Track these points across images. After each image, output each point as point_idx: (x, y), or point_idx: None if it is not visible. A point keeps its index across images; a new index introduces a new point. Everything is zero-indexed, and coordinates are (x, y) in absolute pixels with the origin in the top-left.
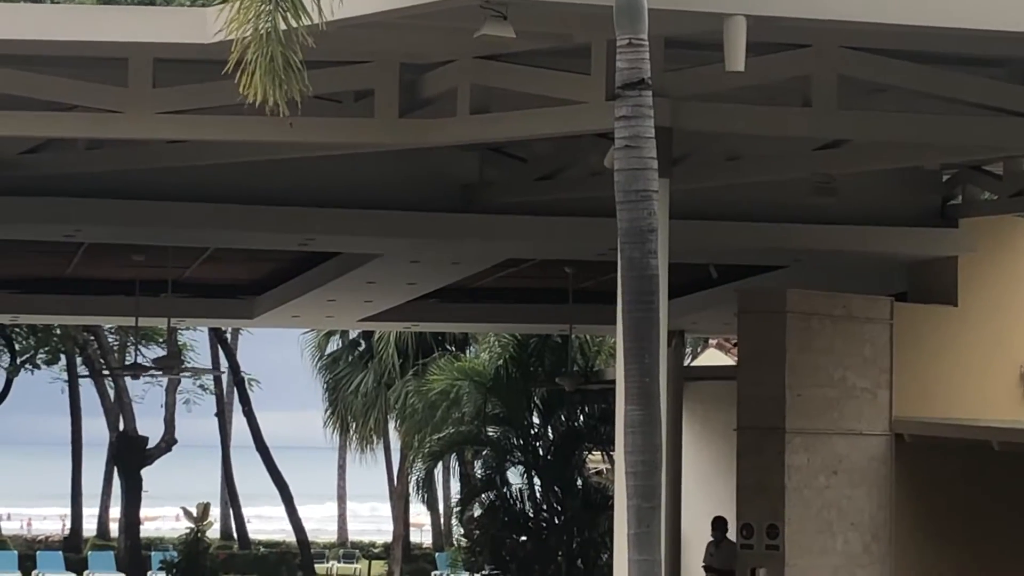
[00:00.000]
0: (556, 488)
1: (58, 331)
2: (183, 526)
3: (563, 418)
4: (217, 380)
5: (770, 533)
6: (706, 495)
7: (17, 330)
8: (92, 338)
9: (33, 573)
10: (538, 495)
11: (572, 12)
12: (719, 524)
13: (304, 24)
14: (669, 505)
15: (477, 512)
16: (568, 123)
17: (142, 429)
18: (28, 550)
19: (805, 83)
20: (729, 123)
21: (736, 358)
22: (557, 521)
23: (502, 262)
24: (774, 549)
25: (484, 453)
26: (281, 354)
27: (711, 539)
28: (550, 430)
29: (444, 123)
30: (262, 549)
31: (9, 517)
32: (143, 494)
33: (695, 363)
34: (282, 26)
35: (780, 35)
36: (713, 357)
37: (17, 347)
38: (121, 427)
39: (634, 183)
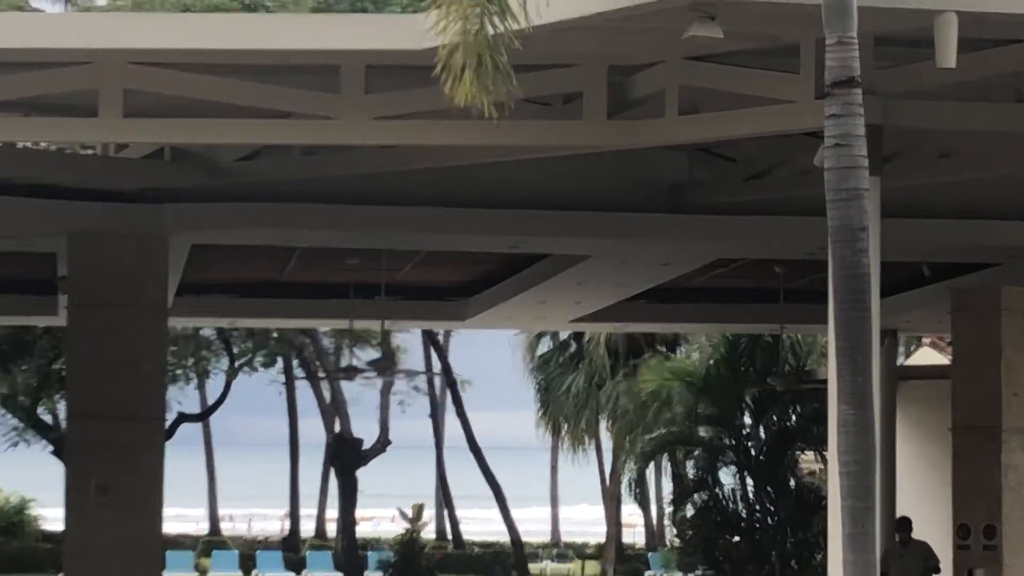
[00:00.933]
0: (769, 488)
1: (275, 334)
2: (399, 526)
3: (775, 418)
4: (430, 381)
5: (987, 534)
6: (920, 495)
7: (235, 333)
8: (308, 341)
9: (253, 572)
10: (751, 495)
11: (781, 11)
12: (904, 525)
13: (511, 28)
14: (883, 505)
15: (689, 513)
16: (777, 122)
17: (357, 430)
18: (248, 550)
19: (1018, 78)
20: (940, 119)
21: (950, 357)
22: (770, 522)
23: (711, 262)
24: (991, 549)
25: (696, 453)
26: (492, 355)
27: (896, 542)
28: (762, 430)
29: (653, 124)
30: (476, 549)
31: (231, 518)
32: (359, 494)
33: (909, 362)
34: (489, 30)
35: (991, 31)
36: (927, 356)
37: (235, 350)
38: (337, 428)
39: (844, 181)
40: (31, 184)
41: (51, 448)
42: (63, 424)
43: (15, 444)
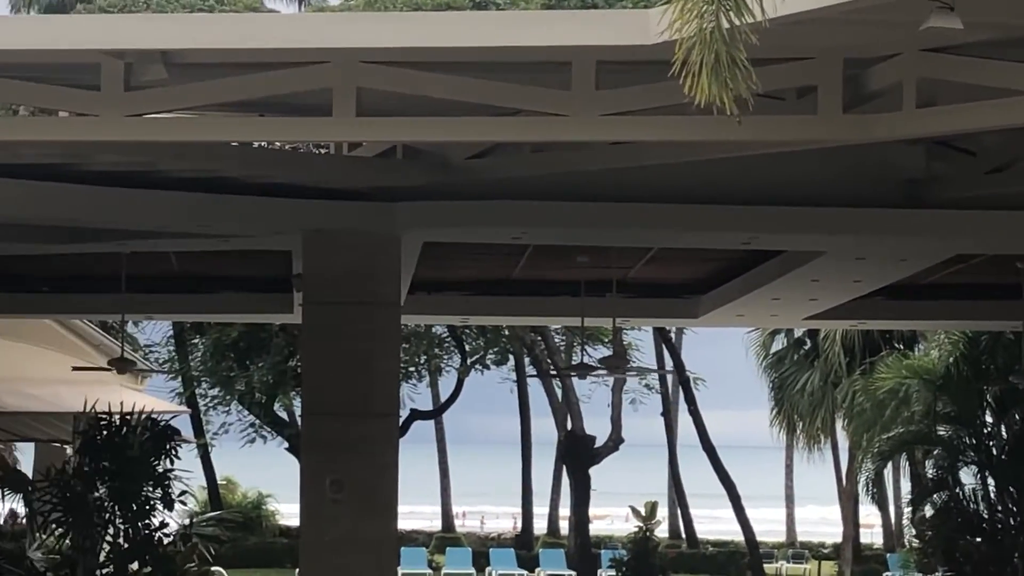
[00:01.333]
0: (1011, 489)
1: (506, 332)
2: (631, 525)
3: (1017, 417)
4: (662, 379)
5: None
6: None
7: (467, 331)
8: (539, 339)
9: (487, 570)
10: (992, 496)
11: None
12: None
13: (747, 21)
14: None
15: (929, 513)
16: (1020, 115)
17: (589, 428)
18: (481, 547)
19: None
20: None
21: None
22: (1012, 523)
23: (950, 258)
24: None
25: (935, 453)
26: (725, 353)
27: None
28: (1004, 429)
29: (889, 118)
30: (710, 549)
31: (464, 515)
32: (591, 493)
33: None
34: (725, 24)
35: None
36: None
37: (467, 348)
38: (569, 426)
39: None
40: (266, 183)
41: (286, 444)
42: (298, 420)
43: (252, 440)
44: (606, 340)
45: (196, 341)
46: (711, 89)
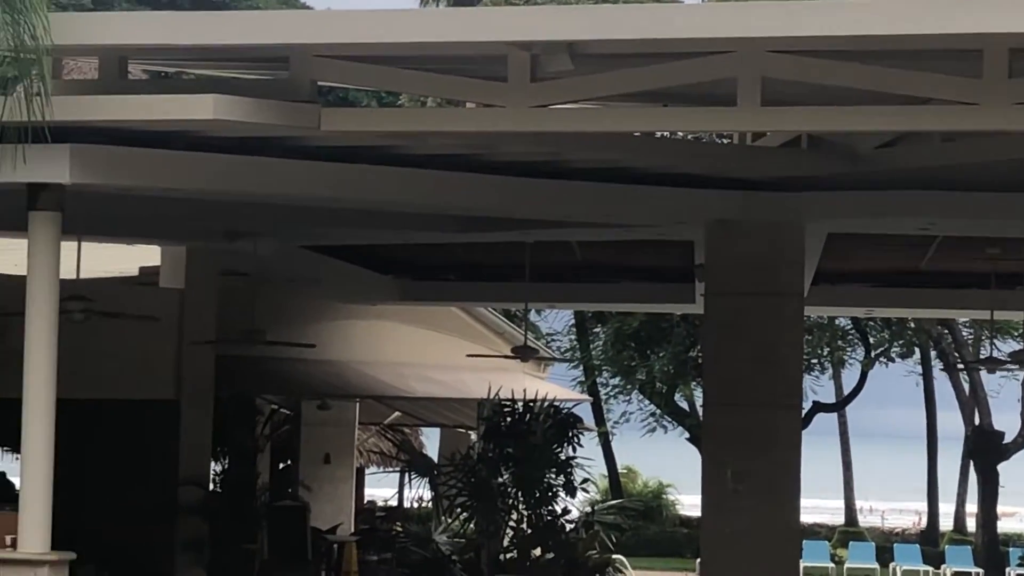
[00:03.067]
0: None
1: (912, 324)
2: None
3: None
4: None
5: None
6: None
7: (871, 323)
8: (946, 332)
9: (891, 565)
10: None
11: None
12: None
13: None
14: None
15: None
16: None
17: (998, 423)
18: (884, 542)
19: None
20: None
21: None
22: None
23: None
24: None
25: None
26: None
27: None
28: None
29: None
30: None
31: (871, 510)
32: (999, 489)
33: None
34: None
35: None
36: None
37: (871, 340)
38: (976, 421)
39: None
40: (669, 173)
41: (687, 435)
42: (699, 411)
43: (653, 430)
44: (1016, 333)
45: (597, 330)
46: None
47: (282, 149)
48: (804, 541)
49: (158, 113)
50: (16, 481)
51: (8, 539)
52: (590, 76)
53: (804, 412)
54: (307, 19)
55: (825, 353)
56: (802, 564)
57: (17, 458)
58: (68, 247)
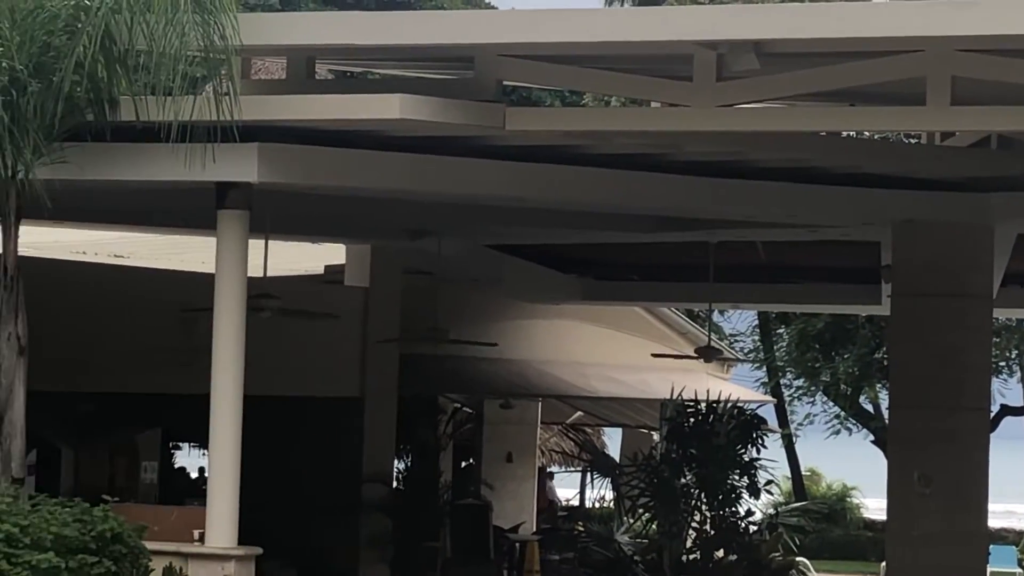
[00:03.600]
0: None
1: None
2: None
3: None
4: None
5: None
6: None
7: None
8: None
9: None
10: None
11: None
12: None
13: None
14: None
15: None
16: None
17: None
18: None
19: None
20: None
21: None
22: None
23: None
24: None
25: None
26: None
27: None
28: None
29: None
30: None
31: None
32: None
33: None
34: None
35: None
36: None
37: None
38: None
39: None
40: (855, 173)
41: (871, 437)
42: (884, 413)
43: (837, 432)
44: None
45: (781, 331)
46: None
47: (463, 148)
48: (991, 546)
49: (346, 112)
50: (194, 473)
51: (196, 533)
52: (776, 75)
53: (991, 415)
54: (493, 19)
55: (1013, 356)
56: (989, 569)
57: (204, 454)
58: (255, 245)
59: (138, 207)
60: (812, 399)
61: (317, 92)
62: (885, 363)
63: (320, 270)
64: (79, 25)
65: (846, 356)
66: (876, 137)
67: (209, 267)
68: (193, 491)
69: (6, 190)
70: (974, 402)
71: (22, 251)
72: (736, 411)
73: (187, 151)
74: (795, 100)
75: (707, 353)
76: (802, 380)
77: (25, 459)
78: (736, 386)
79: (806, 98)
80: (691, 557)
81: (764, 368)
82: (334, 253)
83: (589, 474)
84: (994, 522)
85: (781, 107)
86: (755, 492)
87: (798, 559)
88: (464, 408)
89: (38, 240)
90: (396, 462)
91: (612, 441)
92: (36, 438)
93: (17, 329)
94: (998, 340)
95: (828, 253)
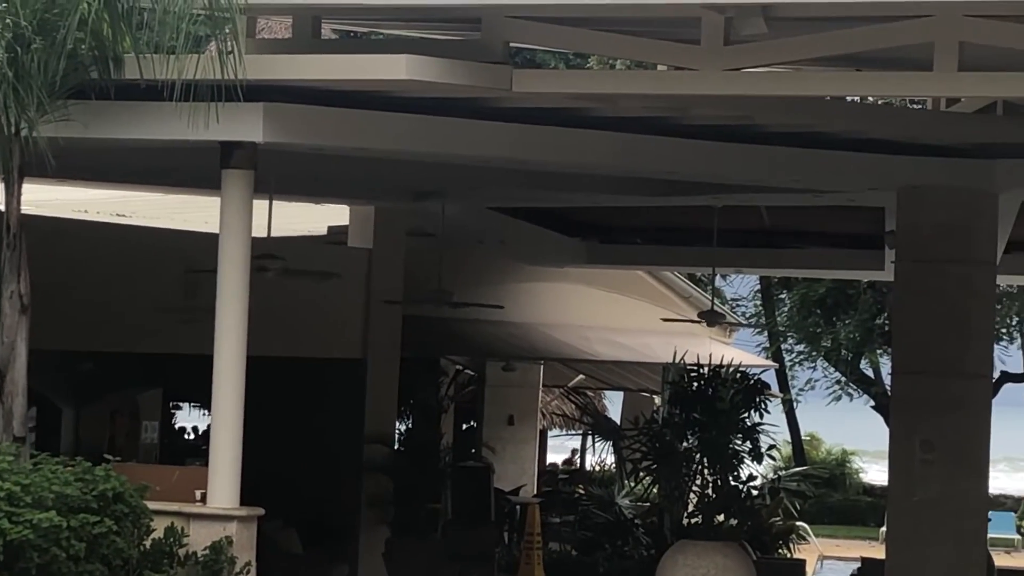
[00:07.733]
0: None
1: None
2: None
3: None
4: None
5: None
6: None
7: None
8: None
9: None
10: None
11: None
12: None
13: None
14: None
15: None
16: None
17: None
18: None
19: None
20: None
21: None
22: None
23: None
24: None
25: None
26: None
27: None
28: None
29: None
30: None
31: None
32: None
33: None
34: None
35: None
36: None
37: None
38: None
39: None
40: (861, 139)
41: (872, 403)
42: (885, 378)
43: (838, 398)
44: None
45: (783, 296)
46: None
47: (468, 110)
48: (991, 512)
49: (352, 73)
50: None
51: (198, 494)
52: (784, 39)
53: (992, 382)
54: None
55: (1014, 323)
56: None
57: (206, 414)
58: (259, 205)
59: (141, 166)
60: (813, 364)
61: (323, 52)
62: (886, 329)
63: (323, 231)
64: None
65: (847, 321)
66: (882, 103)
67: (212, 227)
68: (194, 452)
69: (9, 147)
70: (976, 368)
71: (25, 209)
72: (739, 375)
73: (191, 110)
74: (802, 64)
75: (710, 317)
76: (803, 345)
77: (26, 418)
78: (738, 351)
79: (813, 63)
80: (692, 521)
81: (765, 333)
82: (337, 214)
83: (590, 437)
84: (994, 488)
85: (788, 71)
86: (758, 456)
87: (798, 524)
88: (466, 370)
89: (40, 198)
90: (398, 424)
91: (613, 405)
92: (37, 397)
93: (20, 287)
94: (999, 307)
95: (832, 218)
